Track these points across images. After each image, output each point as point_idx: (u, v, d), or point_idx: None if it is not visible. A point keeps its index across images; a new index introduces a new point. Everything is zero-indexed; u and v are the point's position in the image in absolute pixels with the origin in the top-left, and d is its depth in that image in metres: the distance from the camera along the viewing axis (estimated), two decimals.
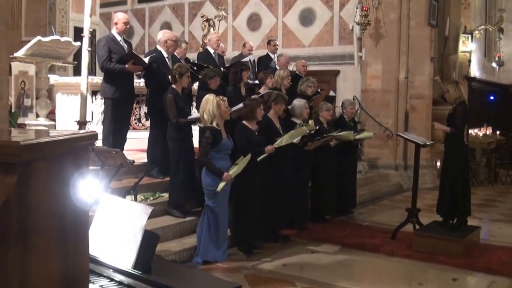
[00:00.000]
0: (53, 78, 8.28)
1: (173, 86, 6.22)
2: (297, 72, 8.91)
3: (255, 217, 5.99)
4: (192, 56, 8.92)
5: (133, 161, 6.52)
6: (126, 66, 6.42)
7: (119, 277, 2.50)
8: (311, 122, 6.86)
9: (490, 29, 15.44)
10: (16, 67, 8.11)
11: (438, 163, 11.74)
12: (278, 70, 7.94)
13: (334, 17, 12.29)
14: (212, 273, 5.14)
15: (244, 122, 6.01)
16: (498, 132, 13.29)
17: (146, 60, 6.72)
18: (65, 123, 7.73)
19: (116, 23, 6.74)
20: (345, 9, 12.08)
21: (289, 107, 6.96)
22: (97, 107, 7.84)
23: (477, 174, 11.75)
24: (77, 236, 1.54)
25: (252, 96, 6.62)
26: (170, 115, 6.03)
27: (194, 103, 7.65)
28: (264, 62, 9.48)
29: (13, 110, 7.77)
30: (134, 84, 7.00)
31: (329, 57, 12.30)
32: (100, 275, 2.51)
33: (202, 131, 5.74)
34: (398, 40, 11.00)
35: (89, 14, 6.52)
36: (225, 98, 5.70)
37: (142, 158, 7.12)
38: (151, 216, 2.62)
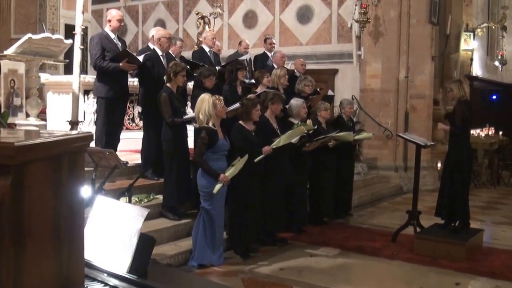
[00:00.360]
0: (44, 77, 8.25)
1: (168, 85, 6.21)
2: (295, 71, 8.92)
3: (252, 219, 6.00)
4: (187, 54, 8.91)
5: (127, 162, 6.54)
6: (120, 64, 6.42)
7: (113, 281, 2.49)
8: (309, 122, 6.88)
9: (493, 27, 15.48)
10: (5, 65, 8.06)
11: (439, 164, 11.77)
12: (275, 69, 7.93)
13: (332, 14, 12.29)
14: (208, 277, 5.14)
15: (240, 122, 6.01)
16: (500, 133, 13.32)
17: (140, 58, 6.71)
18: (57, 123, 7.70)
19: (109, 20, 6.73)
20: (343, 6, 12.09)
21: (286, 106, 6.96)
22: (89, 106, 7.81)
23: (479, 176, 11.78)
24: (72, 240, 1.54)
25: (249, 96, 6.62)
26: (165, 115, 6.03)
27: (189, 103, 7.64)
28: (261, 61, 9.47)
29: (2, 110, 7.74)
30: (128, 83, 6.98)
31: (327, 55, 12.29)
32: (94, 279, 2.50)
33: (197, 131, 5.74)
34: (398, 38, 11.01)
35: (81, 11, 6.51)
36: (221, 98, 5.70)
37: (136, 159, 7.12)
38: (145, 218, 2.61)
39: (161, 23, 14.30)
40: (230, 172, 5.55)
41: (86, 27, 11.28)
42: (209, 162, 5.51)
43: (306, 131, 6.50)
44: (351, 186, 8.24)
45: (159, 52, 6.94)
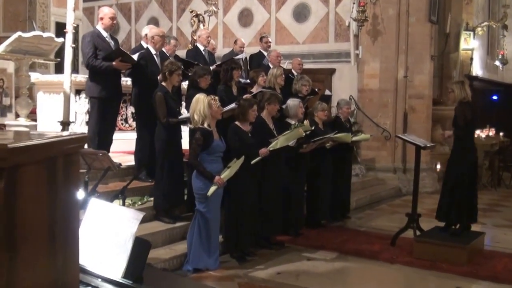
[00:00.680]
0: (34, 76, 8.23)
1: (163, 84, 6.20)
2: (292, 70, 8.92)
3: (248, 222, 5.99)
4: (181, 53, 8.89)
5: (120, 164, 6.52)
6: (114, 63, 6.39)
7: (108, 287, 2.48)
8: (306, 122, 6.88)
9: (494, 25, 15.52)
10: None
11: (438, 166, 11.79)
12: (272, 68, 7.94)
13: (329, 13, 12.29)
14: (203, 282, 5.14)
15: (237, 123, 6.01)
16: (501, 134, 13.35)
17: (135, 57, 6.69)
18: (47, 124, 7.68)
19: (101, 18, 6.70)
20: (341, 5, 12.09)
21: (283, 106, 6.96)
22: (81, 106, 7.79)
23: (480, 178, 11.79)
24: (67, 244, 1.53)
25: (245, 96, 6.62)
26: (159, 114, 6.01)
27: (183, 103, 7.62)
28: (256, 60, 9.46)
29: None
30: (121, 82, 6.96)
31: (324, 54, 12.30)
32: (87, 285, 2.49)
33: (192, 132, 5.73)
34: (397, 37, 11.02)
35: (72, 8, 6.49)
36: (216, 98, 5.68)
37: (129, 160, 7.10)
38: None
39: (154, 21, 14.27)
40: (226, 174, 5.53)
41: (77, 25, 11.26)
42: (204, 164, 5.50)
43: (304, 134, 6.49)
44: (348, 188, 8.25)
45: (153, 51, 6.93)
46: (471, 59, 14.13)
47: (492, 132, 13.12)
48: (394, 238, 6.77)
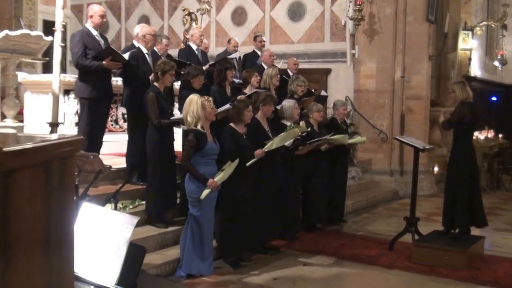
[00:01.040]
0: (21, 76, 8.20)
1: (155, 84, 6.18)
2: (288, 70, 8.92)
3: (243, 227, 5.98)
4: (173, 52, 8.87)
5: (110, 166, 6.49)
6: (104, 62, 6.36)
7: None
8: (302, 123, 6.87)
9: (493, 25, 15.60)
10: None
11: (436, 168, 11.84)
12: (267, 68, 7.93)
13: (325, 11, 12.32)
14: None
15: (231, 124, 5.99)
16: (500, 136, 13.42)
17: (126, 56, 6.67)
18: (35, 125, 7.64)
19: (91, 16, 6.67)
20: (337, 3, 12.11)
21: (278, 107, 6.95)
22: (69, 107, 7.76)
23: (478, 180, 11.83)
24: (62, 250, 1.52)
25: (239, 97, 6.61)
26: (151, 116, 5.99)
27: (176, 104, 7.61)
28: (251, 59, 9.48)
29: None
30: (112, 82, 6.94)
31: (320, 54, 12.32)
32: None
33: (185, 134, 5.72)
34: (394, 36, 11.05)
35: (61, 6, 6.46)
36: (210, 99, 5.67)
37: (119, 163, 7.07)
38: None
39: (145, 19, 14.24)
40: (220, 177, 5.52)
41: (65, 23, 11.22)
42: (198, 167, 5.48)
43: (300, 133, 6.49)
44: (344, 192, 8.25)
45: (144, 50, 6.91)
46: (470, 59, 14.21)
47: (491, 134, 13.18)
48: (392, 243, 6.78)
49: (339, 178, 8.02)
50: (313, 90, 8.75)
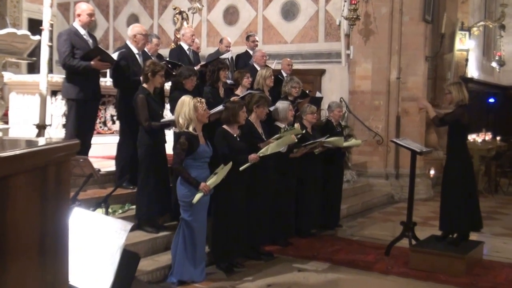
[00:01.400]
0: (7, 76, 8.14)
1: (145, 85, 6.16)
2: (281, 71, 8.93)
3: (236, 232, 5.98)
4: (163, 52, 8.86)
5: (99, 170, 6.46)
6: (92, 63, 6.34)
7: None
8: (297, 125, 6.87)
9: (490, 25, 15.69)
10: None
11: (432, 172, 11.88)
12: (261, 69, 7.93)
13: (319, 11, 12.34)
14: None
15: (224, 126, 5.99)
16: (498, 138, 13.48)
17: (115, 56, 6.65)
18: (21, 127, 7.61)
19: (79, 15, 6.64)
20: (331, 3, 12.13)
21: (271, 109, 6.95)
22: (57, 109, 7.73)
23: (476, 184, 11.89)
24: (57, 258, 1.51)
25: (232, 98, 6.61)
26: (141, 118, 5.98)
27: (167, 105, 7.60)
28: (243, 60, 9.48)
29: None
30: (100, 83, 6.92)
31: (314, 54, 12.34)
32: None
33: (177, 137, 5.70)
34: (390, 37, 11.09)
35: (49, 4, 6.45)
36: (203, 100, 5.66)
37: (108, 166, 7.05)
38: None
39: (134, 18, 14.22)
40: (212, 181, 5.50)
41: (52, 22, 11.18)
42: (190, 170, 5.46)
43: (296, 140, 6.50)
44: (340, 196, 8.26)
45: (135, 50, 6.90)
46: (466, 60, 14.26)
47: (488, 137, 13.24)
48: (388, 248, 6.80)
49: (335, 182, 8.03)
50: (307, 92, 8.76)
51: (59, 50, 6.56)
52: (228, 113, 5.98)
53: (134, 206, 6.26)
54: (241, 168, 5.83)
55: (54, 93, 7.78)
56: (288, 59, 9.35)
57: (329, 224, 8.03)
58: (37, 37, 6.52)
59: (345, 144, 7.91)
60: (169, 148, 6.36)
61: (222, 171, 5.59)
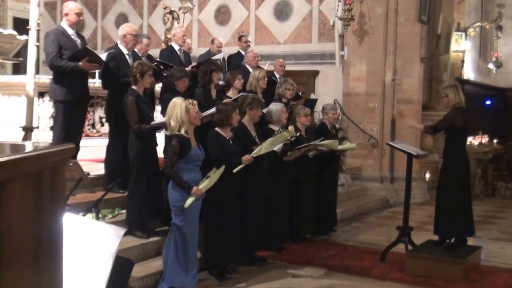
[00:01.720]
0: None
1: (134, 87, 6.15)
2: (274, 72, 8.93)
3: (228, 237, 5.98)
4: (154, 52, 8.86)
5: (88, 173, 6.44)
6: (80, 63, 6.31)
7: None
8: (291, 128, 6.87)
9: (487, 26, 15.77)
10: None
11: (428, 175, 11.92)
12: (253, 70, 7.94)
13: (313, 11, 12.38)
14: None
15: (217, 129, 5.99)
16: (495, 141, 13.55)
17: (103, 56, 6.63)
18: (6, 129, 7.56)
19: (66, 14, 6.62)
20: (325, 2, 12.18)
21: (264, 111, 6.95)
22: (44, 110, 7.70)
23: (473, 188, 11.95)
24: (51, 266, 1.50)
25: (225, 100, 6.61)
26: (131, 121, 5.96)
27: (157, 107, 7.59)
28: (235, 61, 9.49)
29: None
30: (89, 84, 6.90)
31: (307, 55, 12.37)
32: None
33: (168, 140, 5.69)
34: (385, 37, 11.12)
35: (37, 3, 6.43)
36: (195, 102, 5.65)
37: (97, 169, 7.03)
38: None
39: (123, 18, 14.21)
40: (204, 185, 5.50)
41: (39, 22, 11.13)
42: (181, 174, 5.45)
43: (289, 137, 6.50)
44: (334, 200, 8.27)
45: (125, 51, 6.89)
46: (463, 61, 14.33)
47: (485, 139, 13.30)
48: (384, 253, 6.82)
49: (329, 186, 8.04)
50: (300, 93, 8.77)
51: (46, 50, 6.53)
52: (220, 115, 5.97)
53: (124, 211, 6.25)
54: (234, 170, 5.83)
55: (41, 94, 7.74)
56: (281, 60, 9.36)
57: (323, 228, 8.04)
58: (24, 37, 6.50)
59: (340, 147, 7.92)
60: (159, 151, 6.34)
61: (215, 174, 5.58)
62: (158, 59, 7.77)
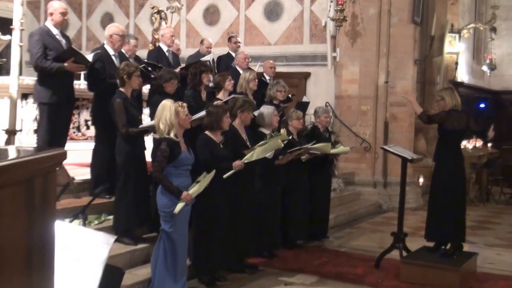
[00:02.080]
0: None
1: (121, 89, 6.11)
2: (264, 74, 8.92)
3: (218, 243, 5.96)
4: (141, 53, 8.81)
5: (73, 178, 6.40)
6: (66, 64, 6.28)
7: None
8: (283, 131, 6.86)
9: (481, 28, 15.86)
10: None
11: (421, 180, 11.95)
12: (243, 72, 7.92)
13: (304, 11, 12.39)
14: None
15: (207, 132, 5.97)
16: (489, 145, 13.60)
17: (89, 57, 6.59)
18: None
19: (51, 14, 6.59)
20: (317, 3, 12.19)
21: (255, 114, 6.94)
22: (28, 113, 7.64)
23: (467, 192, 11.99)
24: (43, 275, 1.48)
25: (215, 102, 6.58)
26: (119, 124, 5.92)
27: (145, 110, 7.55)
28: (225, 62, 9.48)
29: None
30: (74, 86, 6.86)
31: (299, 57, 12.38)
32: None
33: (157, 143, 5.66)
34: (378, 39, 11.16)
35: (20, 2, 6.38)
36: (184, 105, 5.62)
37: (82, 174, 6.98)
38: None
39: (108, 17, 14.16)
40: (195, 190, 5.47)
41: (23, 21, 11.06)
42: (171, 178, 5.42)
43: (283, 145, 6.49)
44: (328, 205, 8.26)
45: (111, 52, 6.85)
46: (456, 63, 14.39)
47: (479, 143, 13.35)
48: (378, 260, 6.82)
49: (322, 191, 8.04)
50: (290, 96, 8.77)
51: (30, 51, 6.50)
52: (211, 118, 5.95)
53: (111, 217, 6.20)
54: (225, 176, 5.81)
55: (24, 96, 7.69)
56: (271, 61, 9.33)
57: (316, 234, 8.03)
58: (7, 37, 6.45)
59: (333, 151, 7.92)
60: (148, 155, 6.31)
61: (205, 179, 5.56)
62: (146, 60, 7.74)
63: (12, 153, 1.50)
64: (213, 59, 9.15)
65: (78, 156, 7.55)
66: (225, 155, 5.97)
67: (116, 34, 6.89)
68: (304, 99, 9.29)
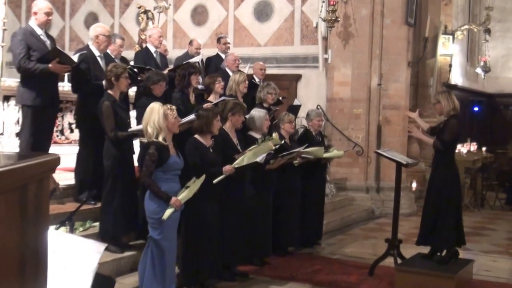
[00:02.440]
0: None
1: (109, 91, 6.09)
2: (254, 76, 8.92)
3: (208, 251, 5.95)
4: (126, 55, 8.78)
5: (58, 184, 6.36)
6: (50, 65, 6.24)
7: None
8: (275, 135, 6.86)
9: (475, 29, 15.96)
10: None
11: (414, 185, 11.98)
12: (234, 74, 7.92)
13: (295, 11, 12.41)
14: None
15: (196, 136, 5.95)
16: (484, 149, 13.66)
17: (75, 58, 6.57)
18: None
19: (35, 13, 6.55)
20: (308, 3, 12.22)
21: (247, 117, 6.94)
22: (10, 116, 7.60)
23: (462, 198, 12.04)
24: (37, 281, 1.47)
25: (205, 105, 6.58)
26: (107, 128, 5.90)
27: (132, 113, 7.52)
28: (214, 63, 9.47)
29: None
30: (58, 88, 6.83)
31: (289, 58, 12.39)
32: None
33: (145, 147, 5.64)
34: (370, 40, 11.18)
35: (3, 1, 6.36)
36: (173, 107, 5.62)
37: (65, 179, 6.93)
38: None
39: (93, 17, 14.12)
40: (184, 195, 5.45)
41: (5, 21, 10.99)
42: (159, 183, 5.41)
43: (274, 147, 6.48)
44: (320, 211, 8.26)
45: (96, 53, 6.83)
46: (450, 65, 14.45)
47: (473, 147, 13.41)
48: (372, 267, 6.83)
49: (315, 196, 8.04)
50: (281, 98, 8.77)
51: (13, 52, 6.45)
52: (200, 122, 5.93)
53: (96, 224, 6.17)
54: (215, 181, 5.80)
55: (6, 98, 7.65)
56: (261, 63, 9.32)
57: (308, 241, 8.04)
58: None
59: (326, 155, 7.93)
60: (135, 159, 6.30)
61: (194, 184, 5.54)
62: (132, 63, 7.72)
63: (4, 159, 1.49)
64: (202, 61, 9.14)
65: (62, 160, 7.49)
66: (215, 160, 5.97)
67: (103, 35, 6.87)
68: (296, 102, 9.29)
